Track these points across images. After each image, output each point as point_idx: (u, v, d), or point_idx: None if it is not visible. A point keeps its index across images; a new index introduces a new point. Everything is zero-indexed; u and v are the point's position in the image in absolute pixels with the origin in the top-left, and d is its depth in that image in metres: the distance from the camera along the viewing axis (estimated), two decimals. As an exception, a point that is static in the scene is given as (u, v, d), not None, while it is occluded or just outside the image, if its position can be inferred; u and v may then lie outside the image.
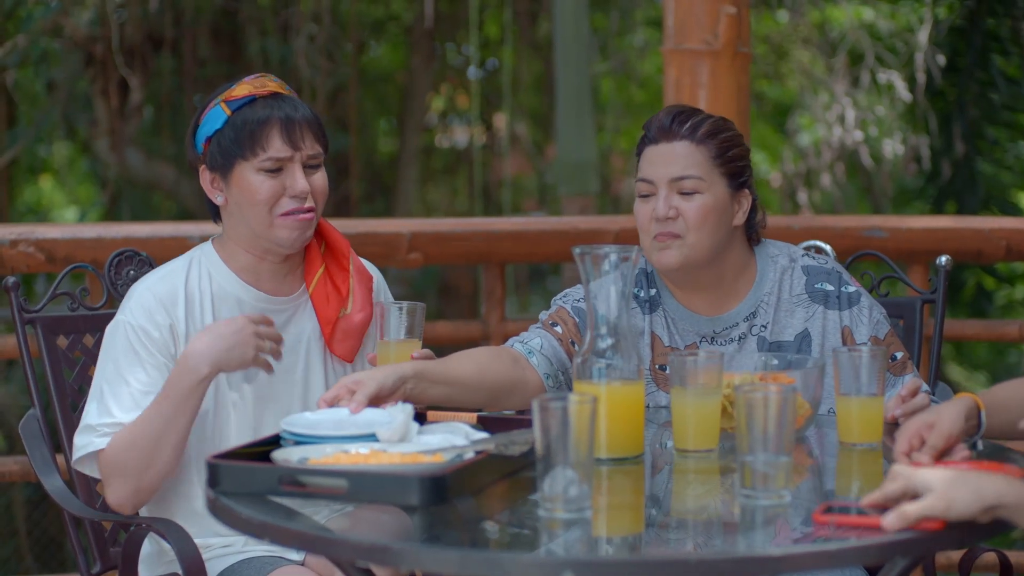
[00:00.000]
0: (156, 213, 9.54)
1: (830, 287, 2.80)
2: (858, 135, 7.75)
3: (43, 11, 7.75)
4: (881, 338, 2.79)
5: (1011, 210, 7.01)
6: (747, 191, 2.79)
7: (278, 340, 2.64)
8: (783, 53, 8.87)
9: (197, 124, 2.73)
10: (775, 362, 2.68)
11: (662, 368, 2.81)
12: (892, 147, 7.86)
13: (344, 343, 2.80)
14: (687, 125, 2.73)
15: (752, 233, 2.84)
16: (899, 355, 2.80)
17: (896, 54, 7.70)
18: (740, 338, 2.80)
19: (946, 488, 2.00)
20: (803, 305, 2.80)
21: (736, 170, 2.76)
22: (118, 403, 2.64)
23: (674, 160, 2.72)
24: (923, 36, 7.07)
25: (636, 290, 2.84)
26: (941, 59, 6.92)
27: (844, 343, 2.78)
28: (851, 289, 2.81)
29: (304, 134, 2.69)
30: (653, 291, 2.85)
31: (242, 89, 2.70)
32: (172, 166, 8.86)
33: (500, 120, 10.75)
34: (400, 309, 2.70)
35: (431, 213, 11.20)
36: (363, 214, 9.41)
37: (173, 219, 9.28)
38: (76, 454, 2.66)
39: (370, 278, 2.85)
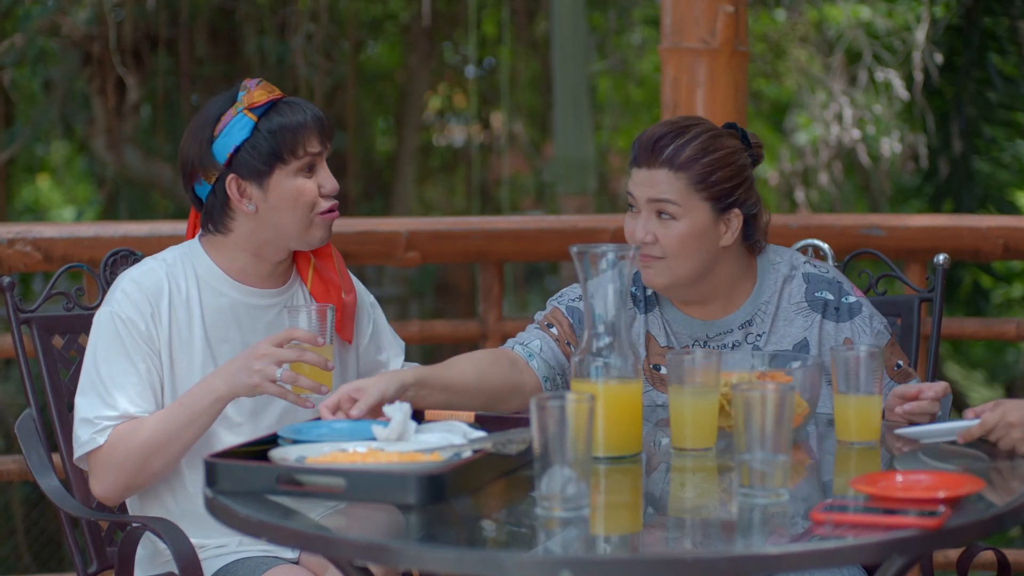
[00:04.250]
0: (153, 212, 9.53)
1: (830, 296, 2.78)
2: (856, 133, 7.75)
3: (40, 10, 7.74)
4: (882, 347, 2.77)
5: (1008, 208, 7.01)
6: (736, 211, 2.73)
7: (321, 365, 2.56)
8: (781, 52, 8.86)
9: (213, 135, 2.69)
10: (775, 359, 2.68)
11: (656, 368, 2.80)
12: (890, 145, 7.85)
13: (347, 327, 2.84)
14: (668, 150, 2.69)
15: (753, 243, 2.80)
16: (901, 363, 2.80)
17: (893, 53, 7.70)
18: (734, 345, 2.78)
19: (1003, 405, 2.44)
20: (802, 313, 2.78)
21: (720, 193, 2.71)
22: (109, 396, 2.63)
23: (653, 185, 2.70)
24: (920, 35, 7.07)
25: (634, 289, 2.83)
26: (938, 58, 6.92)
27: None
28: (851, 300, 2.79)
29: (328, 133, 2.73)
30: (650, 292, 2.83)
31: (259, 95, 2.69)
32: (169, 165, 8.85)
33: (498, 119, 10.74)
34: (310, 312, 2.62)
35: (429, 212, 11.20)
36: (361, 213, 9.41)
37: (171, 218, 9.27)
38: (79, 450, 2.66)
39: (342, 260, 2.88)
